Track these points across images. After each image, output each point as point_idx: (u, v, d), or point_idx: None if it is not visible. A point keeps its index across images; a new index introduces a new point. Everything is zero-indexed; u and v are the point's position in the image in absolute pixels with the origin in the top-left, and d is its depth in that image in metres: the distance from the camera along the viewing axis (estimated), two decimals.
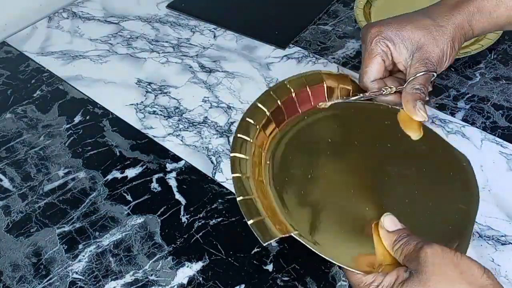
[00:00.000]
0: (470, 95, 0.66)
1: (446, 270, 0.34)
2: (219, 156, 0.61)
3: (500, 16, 0.52)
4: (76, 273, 0.51)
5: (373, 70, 0.52)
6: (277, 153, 0.47)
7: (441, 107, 0.65)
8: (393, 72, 0.55)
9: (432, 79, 0.51)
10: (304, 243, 0.40)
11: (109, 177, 0.59)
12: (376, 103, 0.52)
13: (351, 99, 0.52)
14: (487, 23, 0.52)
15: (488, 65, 0.70)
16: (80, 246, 0.53)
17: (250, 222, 0.40)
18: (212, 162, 0.60)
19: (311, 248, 0.40)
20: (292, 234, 0.41)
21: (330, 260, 0.39)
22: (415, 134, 0.49)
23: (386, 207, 0.42)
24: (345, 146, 0.47)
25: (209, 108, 0.67)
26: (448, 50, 0.51)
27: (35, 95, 0.71)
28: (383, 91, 0.51)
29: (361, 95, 0.52)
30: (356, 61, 0.72)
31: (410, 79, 0.50)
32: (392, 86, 0.52)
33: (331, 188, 0.44)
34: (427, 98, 0.50)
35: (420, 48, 0.51)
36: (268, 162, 0.46)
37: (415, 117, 0.49)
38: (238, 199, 0.41)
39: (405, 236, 0.38)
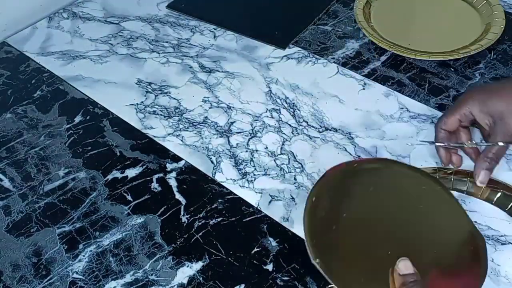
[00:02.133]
0: None
1: None
2: (219, 156, 0.61)
3: None
4: (76, 273, 0.51)
5: (447, 123, 0.57)
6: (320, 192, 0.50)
7: (441, 107, 0.65)
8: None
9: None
10: (321, 272, 0.44)
11: (109, 177, 0.59)
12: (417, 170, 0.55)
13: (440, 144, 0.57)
14: None
15: (487, 65, 0.70)
16: (80, 246, 0.53)
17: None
18: (212, 162, 0.60)
19: (327, 279, 0.44)
20: (313, 262, 0.44)
21: None
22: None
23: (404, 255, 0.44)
24: (378, 200, 0.51)
25: (209, 108, 0.67)
26: None
27: (35, 95, 0.71)
28: (465, 144, 0.57)
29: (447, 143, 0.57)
30: (356, 61, 0.72)
31: (489, 145, 0.54)
32: (470, 142, 0.57)
33: (360, 232, 0.48)
34: (497, 165, 0.55)
35: (501, 119, 0.54)
36: (313, 199, 0.49)
37: (475, 180, 0.54)
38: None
39: (413, 280, 0.41)
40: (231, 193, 0.57)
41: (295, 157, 0.60)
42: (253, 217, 0.55)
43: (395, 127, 0.63)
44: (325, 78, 0.70)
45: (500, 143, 0.53)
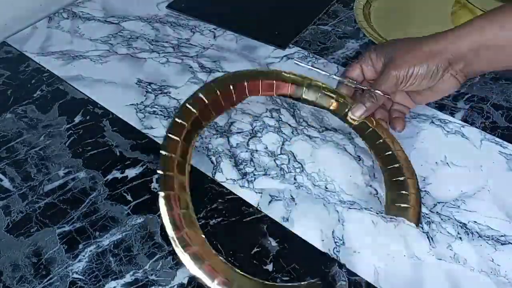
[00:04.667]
0: (469, 95, 0.66)
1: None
2: (219, 156, 0.61)
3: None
4: (76, 273, 0.51)
5: (349, 69, 0.61)
6: None
7: (440, 107, 0.65)
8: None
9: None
10: None
11: (109, 177, 0.59)
12: None
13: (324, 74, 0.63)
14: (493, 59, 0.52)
15: None
16: (80, 246, 0.53)
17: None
18: (212, 162, 0.60)
19: None
20: None
21: None
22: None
23: None
24: None
25: None
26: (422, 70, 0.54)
27: (35, 95, 0.71)
28: (349, 81, 0.61)
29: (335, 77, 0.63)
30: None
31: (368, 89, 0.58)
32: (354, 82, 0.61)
33: None
34: (375, 106, 0.58)
35: (388, 64, 0.55)
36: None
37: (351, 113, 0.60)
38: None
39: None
40: (231, 193, 0.57)
41: (295, 157, 0.60)
42: (253, 217, 0.55)
43: None
44: (325, 78, 0.70)
45: (378, 92, 0.56)
